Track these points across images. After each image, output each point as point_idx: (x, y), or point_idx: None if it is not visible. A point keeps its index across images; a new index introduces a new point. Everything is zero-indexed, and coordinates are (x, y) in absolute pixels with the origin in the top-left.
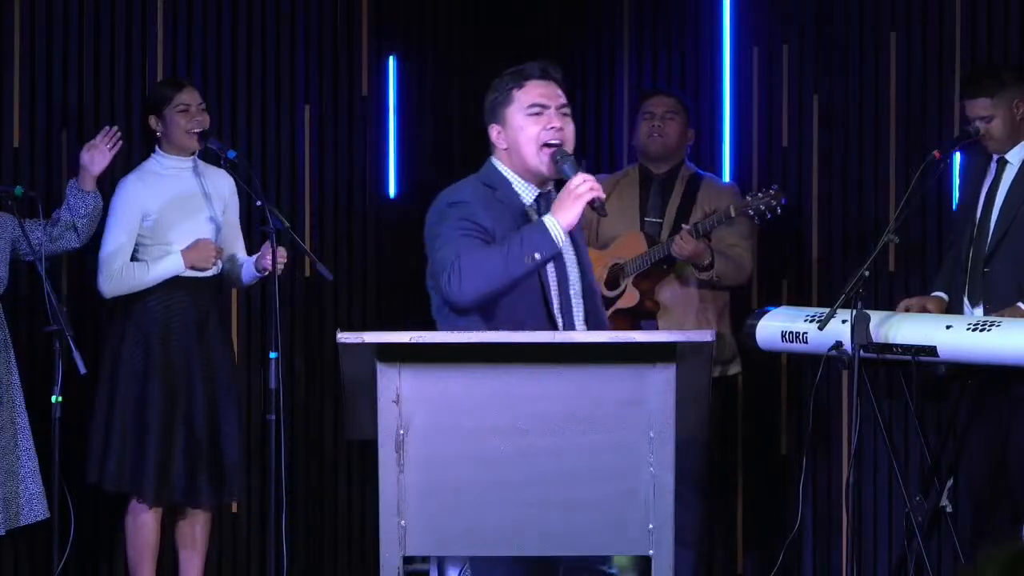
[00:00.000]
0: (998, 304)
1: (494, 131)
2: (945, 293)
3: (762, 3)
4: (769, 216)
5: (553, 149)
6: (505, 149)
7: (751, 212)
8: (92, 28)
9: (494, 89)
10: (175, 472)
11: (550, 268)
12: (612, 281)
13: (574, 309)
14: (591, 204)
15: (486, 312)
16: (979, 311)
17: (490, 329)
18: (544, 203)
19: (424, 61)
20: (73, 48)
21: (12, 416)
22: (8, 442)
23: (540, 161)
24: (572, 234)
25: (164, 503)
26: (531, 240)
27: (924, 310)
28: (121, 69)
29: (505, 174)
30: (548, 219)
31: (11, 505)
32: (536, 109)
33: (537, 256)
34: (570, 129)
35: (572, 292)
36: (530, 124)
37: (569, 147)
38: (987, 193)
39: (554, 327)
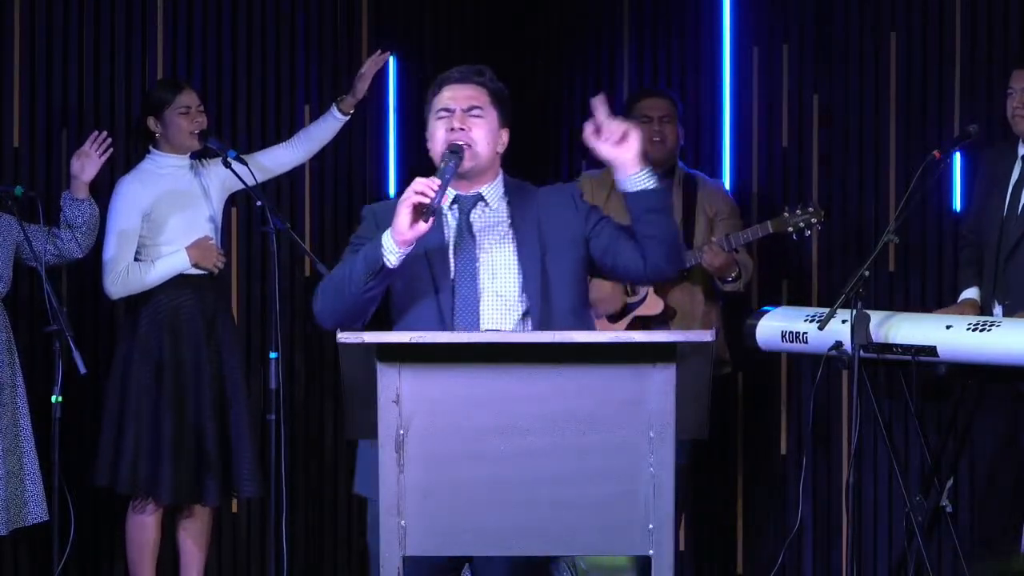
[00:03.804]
0: (1016, 303)
1: (428, 139)
2: (976, 287)
3: (762, 3)
4: (808, 233)
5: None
6: (431, 156)
7: (790, 229)
8: (92, 28)
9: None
10: (187, 471)
11: (452, 269)
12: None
13: (483, 315)
14: (419, 210)
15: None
16: (999, 311)
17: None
18: (464, 207)
19: (424, 61)
20: (73, 48)
21: (15, 418)
22: (11, 443)
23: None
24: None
25: (177, 502)
26: (367, 256)
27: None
28: (121, 69)
29: None
30: (386, 233)
31: (14, 505)
32: (443, 114)
33: (369, 274)
34: (478, 131)
35: (484, 297)
36: (438, 128)
37: (478, 148)
38: (1012, 191)
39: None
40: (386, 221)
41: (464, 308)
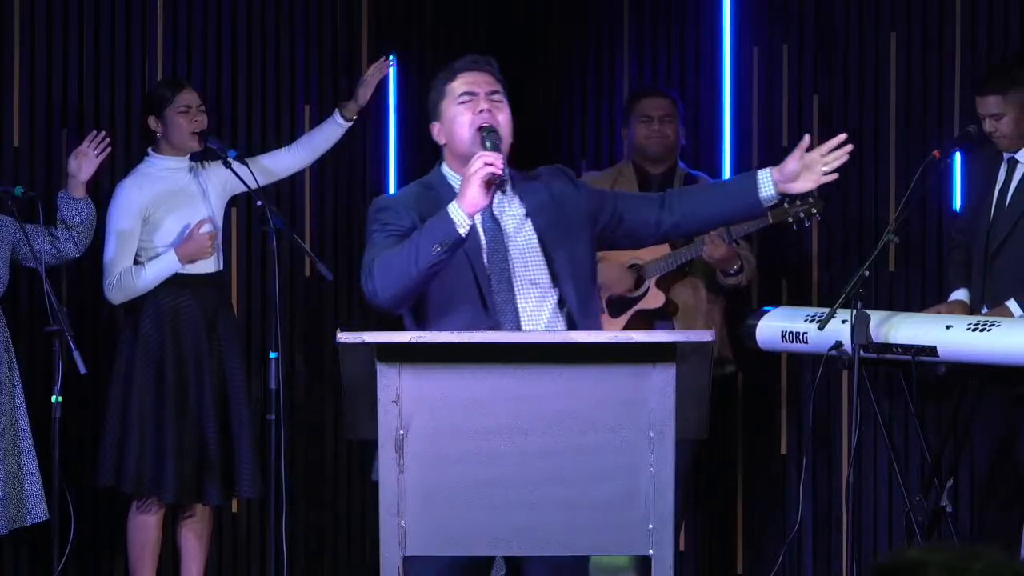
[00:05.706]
0: (1000, 302)
1: (435, 129)
2: (965, 289)
3: (762, 3)
4: (808, 224)
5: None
6: (445, 144)
7: (790, 219)
8: (92, 28)
9: (432, 88)
10: (190, 470)
11: (485, 261)
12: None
13: (520, 304)
14: (490, 182)
15: (419, 313)
16: (986, 312)
17: (423, 328)
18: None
19: (424, 61)
20: (73, 48)
21: (13, 418)
22: (9, 443)
23: (476, 144)
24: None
25: (180, 502)
26: (434, 229)
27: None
28: (121, 69)
29: (445, 173)
30: (452, 206)
31: (13, 505)
32: (466, 97)
33: (439, 247)
34: (502, 116)
35: (518, 285)
36: (462, 112)
37: (503, 132)
38: (999, 194)
39: (494, 327)
40: (417, 208)
41: (503, 300)
